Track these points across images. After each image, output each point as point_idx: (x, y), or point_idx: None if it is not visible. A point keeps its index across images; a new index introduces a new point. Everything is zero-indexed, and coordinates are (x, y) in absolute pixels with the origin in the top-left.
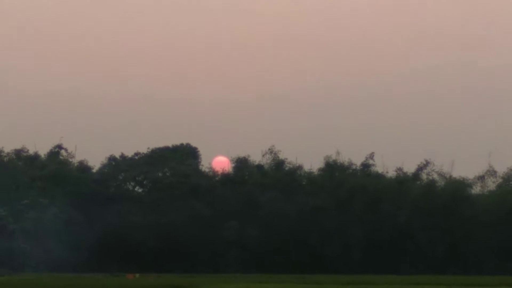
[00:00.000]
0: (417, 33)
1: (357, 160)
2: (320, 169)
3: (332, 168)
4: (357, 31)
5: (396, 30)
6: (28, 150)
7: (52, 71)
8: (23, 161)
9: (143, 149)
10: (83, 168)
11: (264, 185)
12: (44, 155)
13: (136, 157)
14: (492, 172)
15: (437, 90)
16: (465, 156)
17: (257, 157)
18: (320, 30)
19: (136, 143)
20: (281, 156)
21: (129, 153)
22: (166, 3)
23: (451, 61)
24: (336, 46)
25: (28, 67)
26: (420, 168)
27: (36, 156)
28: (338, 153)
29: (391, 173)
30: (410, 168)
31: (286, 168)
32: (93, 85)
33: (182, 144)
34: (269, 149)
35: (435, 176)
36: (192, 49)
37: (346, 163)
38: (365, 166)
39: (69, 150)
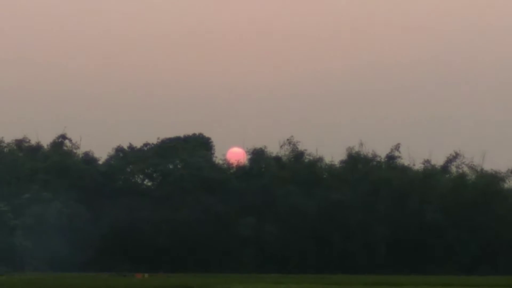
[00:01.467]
0: (441, 20)
1: (382, 152)
2: (342, 161)
3: (355, 160)
4: (380, 18)
5: (418, 17)
6: (29, 140)
7: (55, 57)
8: (24, 152)
9: (153, 140)
10: (89, 159)
11: (282, 178)
12: (47, 145)
13: (145, 148)
14: None
15: (466, 79)
16: (497, 147)
17: (274, 148)
18: (340, 20)
19: (145, 133)
20: (300, 147)
21: (138, 144)
22: None
23: (483, 51)
24: (356, 34)
25: (30, 54)
26: (449, 161)
27: (38, 147)
28: (361, 144)
29: (418, 165)
30: (438, 160)
31: (306, 160)
32: (100, 71)
33: (194, 134)
34: (288, 139)
35: (465, 169)
36: (205, 36)
37: (370, 155)
38: (390, 158)
39: (73, 141)
